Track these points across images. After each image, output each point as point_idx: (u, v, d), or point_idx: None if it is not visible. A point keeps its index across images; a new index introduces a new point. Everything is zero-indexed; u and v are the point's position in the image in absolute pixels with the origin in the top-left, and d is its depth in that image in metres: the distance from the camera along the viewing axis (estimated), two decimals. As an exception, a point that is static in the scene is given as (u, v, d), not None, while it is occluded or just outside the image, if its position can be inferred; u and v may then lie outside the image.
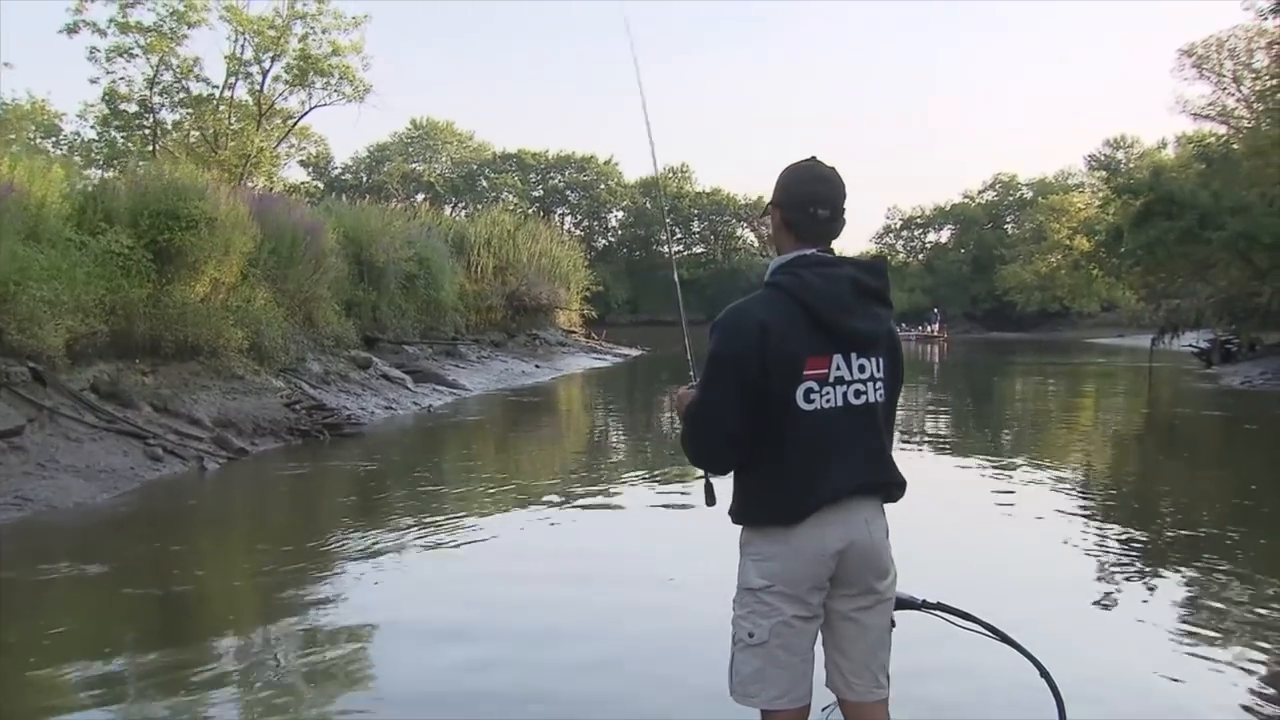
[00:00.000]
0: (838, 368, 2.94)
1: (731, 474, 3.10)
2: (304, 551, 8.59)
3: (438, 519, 9.71)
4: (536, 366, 30.47)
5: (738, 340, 2.93)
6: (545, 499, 11.05)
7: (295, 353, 17.19)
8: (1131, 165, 68.38)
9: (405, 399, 19.18)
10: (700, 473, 3.35)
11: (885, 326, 3.09)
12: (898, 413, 3.28)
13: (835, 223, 3.06)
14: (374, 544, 8.67)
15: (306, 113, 35.94)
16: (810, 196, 3.03)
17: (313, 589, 7.38)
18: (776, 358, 2.87)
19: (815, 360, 2.91)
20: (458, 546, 8.74)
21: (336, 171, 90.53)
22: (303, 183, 66.68)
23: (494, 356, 29.59)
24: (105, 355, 13.35)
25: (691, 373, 3.34)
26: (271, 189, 31.88)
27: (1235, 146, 36.14)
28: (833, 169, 3.09)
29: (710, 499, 3.34)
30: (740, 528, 3.10)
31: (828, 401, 2.93)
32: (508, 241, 37.58)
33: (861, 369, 2.98)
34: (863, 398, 2.98)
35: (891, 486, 3.10)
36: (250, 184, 29.71)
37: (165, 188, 15.16)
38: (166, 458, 11.72)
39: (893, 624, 3.14)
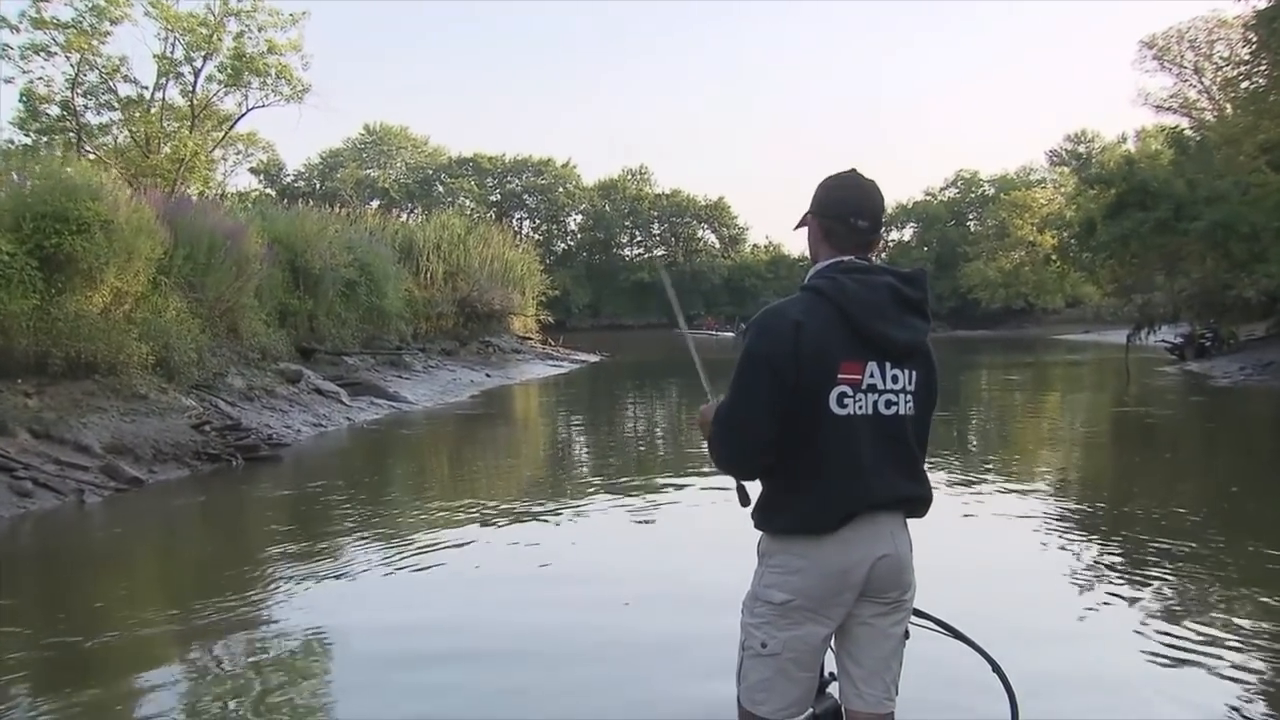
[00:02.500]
0: (871, 375, 2.94)
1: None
2: (178, 599, 7.27)
3: (358, 554, 8.60)
4: (488, 375, 29.15)
5: (772, 340, 2.90)
6: (493, 521, 10.11)
7: (213, 367, 15.74)
8: (1095, 159, 67.59)
9: (339, 415, 17.73)
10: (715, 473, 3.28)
11: (922, 339, 3.05)
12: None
13: (874, 233, 3.07)
14: (271, 589, 7.51)
15: (244, 114, 34.24)
16: (850, 206, 3.04)
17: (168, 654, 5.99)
18: (811, 358, 2.86)
19: (849, 365, 2.91)
20: (390, 577, 7.75)
21: (289, 179, 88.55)
22: (254, 190, 65.00)
23: (442, 366, 28.27)
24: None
25: (707, 387, 3.47)
26: (210, 195, 30.24)
27: (1208, 134, 35.15)
28: (872, 181, 3.11)
29: (744, 499, 3.21)
30: (761, 534, 3.07)
31: (860, 408, 2.92)
32: (458, 246, 36.55)
33: (894, 379, 2.97)
34: (893, 409, 2.97)
35: (919, 502, 3.08)
36: (186, 190, 28.09)
37: (52, 188, 13.57)
38: (37, 491, 10.23)
39: (906, 634, 3.11)
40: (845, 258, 3.00)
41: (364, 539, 9.28)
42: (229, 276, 17.70)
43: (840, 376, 2.87)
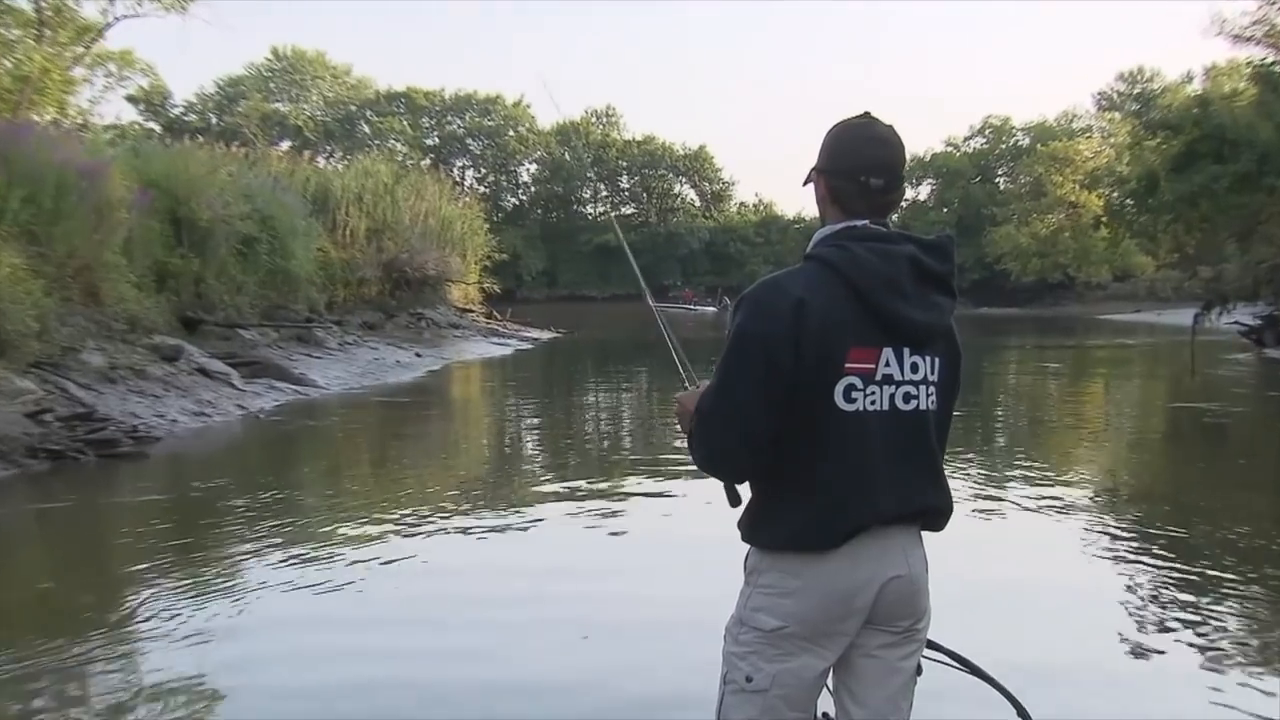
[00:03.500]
0: (886, 364, 2.83)
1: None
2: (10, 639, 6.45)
3: (246, 576, 8.09)
4: (418, 355, 28.29)
5: (768, 319, 2.78)
6: (418, 531, 9.62)
7: (62, 340, 14.68)
8: (1156, 102, 67.00)
9: (228, 401, 16.78)
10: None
11: (946, 320, 2.95)
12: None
13: (892, 194, 2.94)
14: (132, 621, 6.90)
15: (110, 25, 32.82)
16: (862, 162, 2.91)
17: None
18: (814, 343, 2.75)
19: (860, 351, 2.80)
20: (287, 607, 7.29)
21: (178, 111, 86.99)
22: (131, 124, 63.55)
23: (363, 342, 27.42)
24: None
25: (683, 373, 3.42)
26: (66, 125, 28.90)
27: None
28: (890, 128, 2.98)
29: (734, 499, 3.11)
30: (749, 548, 2.99)
31: (871, 403, 2.82)
32: (385, 198, 35.93)
33: (914, 368, 2.87)
34: (913, 403, 2.87)
35: (938, 514, 3.00)
36: (35, 117, 26.74)
37: None
38: None
39: (919, 670, 3.02)
40: (858, 222, 2.89)
41: (252, 556, 8.68)
42: (86, 226, 16.71)
43: (849, 366, 2.77)
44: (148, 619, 7.03)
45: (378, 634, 6.86)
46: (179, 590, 7.67)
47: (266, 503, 11.01)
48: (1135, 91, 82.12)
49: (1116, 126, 79.61)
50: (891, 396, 2.81)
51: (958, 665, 3.30)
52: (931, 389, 2.89)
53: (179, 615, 7.03)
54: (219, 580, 8.06)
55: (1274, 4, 44.73)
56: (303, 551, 8.82)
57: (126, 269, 17.89)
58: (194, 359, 17.65)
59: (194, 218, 21.31)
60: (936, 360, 2.89)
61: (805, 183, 3.06)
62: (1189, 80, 73.00)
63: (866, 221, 2.89)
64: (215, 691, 5.87)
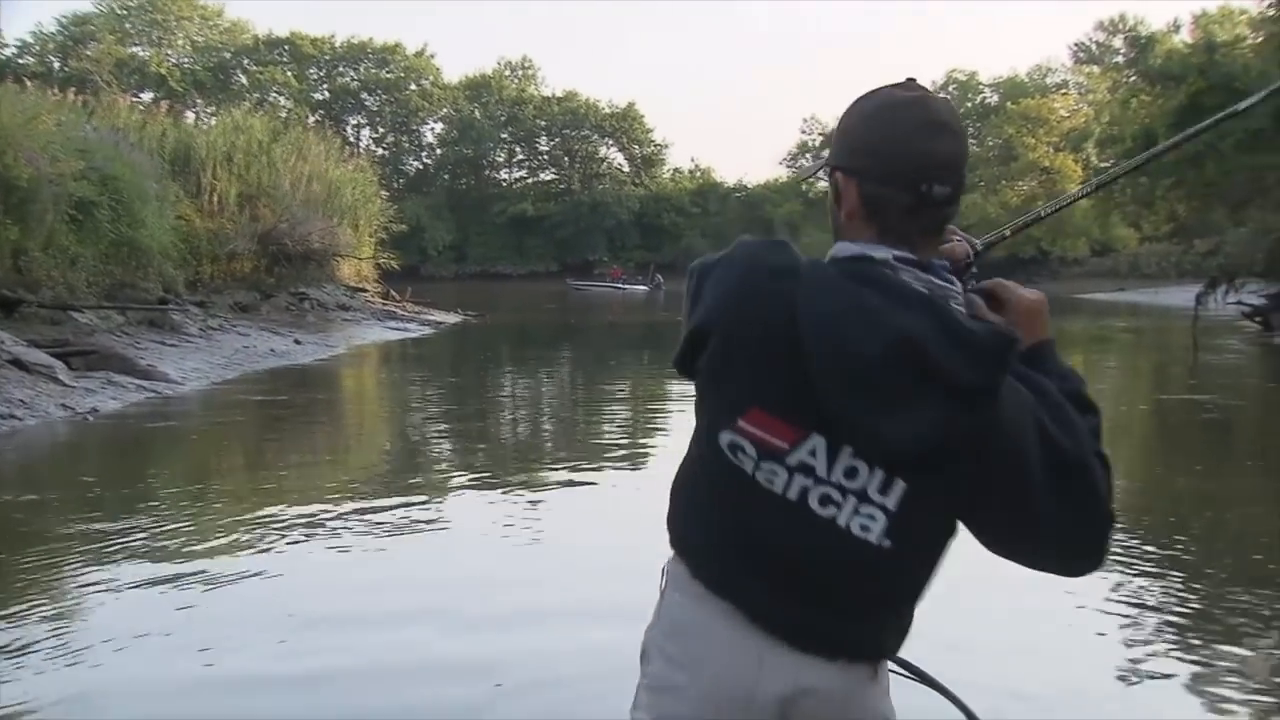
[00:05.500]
0: (811, 453, 2.22)
1: None
2: None
3: (79, 603, 7.78)
4: (297, 342, 27.07)
5: (733, 286, 2.24)
6: (289, 545, 9.27)
7: None
8: (1143, 52, 66.97)
9: (49, 400, 15.44)
10: None
11: (936, 435, 2.11)
12: None
13: (955, 205, 2.24)
14: None
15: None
16: (923, 162, 2.16)
17: None
18: (730, 360, 2.24)
19: (767, 420, 2.22)
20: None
21: (9, 53, 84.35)
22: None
23: (232, 328, 26.23)
24: None
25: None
26: None
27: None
28: (948, 104, 2.26)
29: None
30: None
31: (771, 482, 2.24)
32: (260, 158, 34.95)
33: (851, 474, 2.22)
34: (832, 513, 2.23)
35: (840, 643, 2.33)
36: None
37: None
38: None
39: None
40: (893, 253, 2.15)
41: (80, 582, 8.24)
42: None
43: (743, 424, 2.20)
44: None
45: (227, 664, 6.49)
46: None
47: (90, 521, 10.07)
48: (1115, 44, 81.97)
49: (1095, 81, 79.83)
50: (804, 490, 2.23)
51: (920, 680, 2.94)
52: (876, 515, 2.21)
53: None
54: (26, 615, 7.48)
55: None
56: (134, 574, 8.32)
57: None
58: (6, 347, 16.33)
59: (10, 175, 19.94)
60: (903, 486, 2.19)
61: (811, 172, 2.54)
62: (1176, 29, 73.26)
63: (906, 252, 2.18)
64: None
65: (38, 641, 7.00)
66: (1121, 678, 6.31)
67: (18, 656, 6.64)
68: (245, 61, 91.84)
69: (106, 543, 9.15)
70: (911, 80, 2.24)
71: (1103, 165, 48.02)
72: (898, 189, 2.18)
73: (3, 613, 7.56)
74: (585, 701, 5.80)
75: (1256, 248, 30.00)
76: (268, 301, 31.60)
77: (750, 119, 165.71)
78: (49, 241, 20.76)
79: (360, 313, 36.40)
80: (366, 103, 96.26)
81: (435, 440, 16.93)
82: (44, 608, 7.70)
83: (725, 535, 2.30)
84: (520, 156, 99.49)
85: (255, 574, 8.59)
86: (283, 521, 10.22)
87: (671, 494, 2.45)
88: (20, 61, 79.15)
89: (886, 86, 2.23)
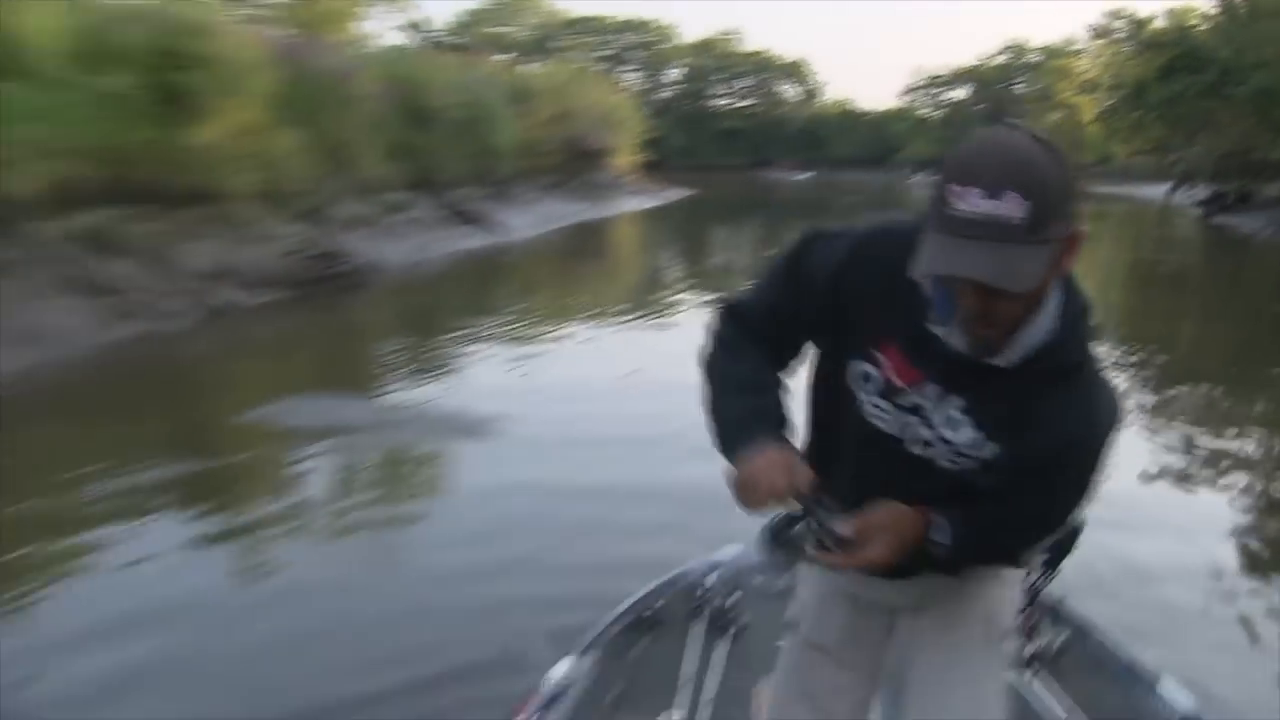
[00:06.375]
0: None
1: None
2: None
3: (471, 356, 8.17)
4: (587, 208, 27.36)
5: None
6: (583, 336, 9.18)
7: (321, 197, 14.10)
8: (1138, 31, 62.24)
9: (439, 242, 16.22)
10: None
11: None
12: None
13: None
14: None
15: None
16: None
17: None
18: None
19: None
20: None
21: (436, 35, 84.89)
22: (397, 45, 62.27)
23: (545, 199, 26.39)
24: (98, 201, 10.34)
25: None
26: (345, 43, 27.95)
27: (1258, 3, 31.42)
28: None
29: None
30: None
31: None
32: (566, 91, 33.98)
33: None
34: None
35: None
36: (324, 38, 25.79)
37: (167, 24, 11.80)
38: (128, 317, 8.90)
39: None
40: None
41: (459, 349, 8.63)
42: (342, 112, 15.86)
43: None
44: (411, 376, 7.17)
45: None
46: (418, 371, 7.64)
47: (461, 311, 10.79)
48: (1115, 25, 76.10)
49: (1103, 50, 74.53)
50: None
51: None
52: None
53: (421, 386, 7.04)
54: (433, 363, 8.11)
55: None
56: (489, 346, 8.66)
57: (372, 143, 17.16)
58: (417, 211, 17.07)
59: (423, 105, 20.29)
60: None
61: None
62: (1154, 18, 67.92)
63: None
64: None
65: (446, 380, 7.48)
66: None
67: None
68: (560, 35, 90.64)
69: (478, 330, 9.73)
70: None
71: (1107, 103, 45.07)
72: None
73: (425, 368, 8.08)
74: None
75: (1205, 161, 28.41)
76: (567, 183, 30.85)
77: (876, 62, 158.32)
78: (441, 146, 20.85)
79: (624, 189, 35.73)
80: (631, 58, 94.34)
81: (674, 264, 17.31)
82: (439, 354, 8.22)
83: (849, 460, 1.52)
84: (728, 90, 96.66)
85: (583, 340, 9.05)
86: (586, 310, 10.73)
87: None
88: (439, 40, 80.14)
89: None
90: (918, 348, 1.38)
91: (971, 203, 1.19)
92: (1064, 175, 1.22)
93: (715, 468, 1.46)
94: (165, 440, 6.06)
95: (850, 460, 1.51)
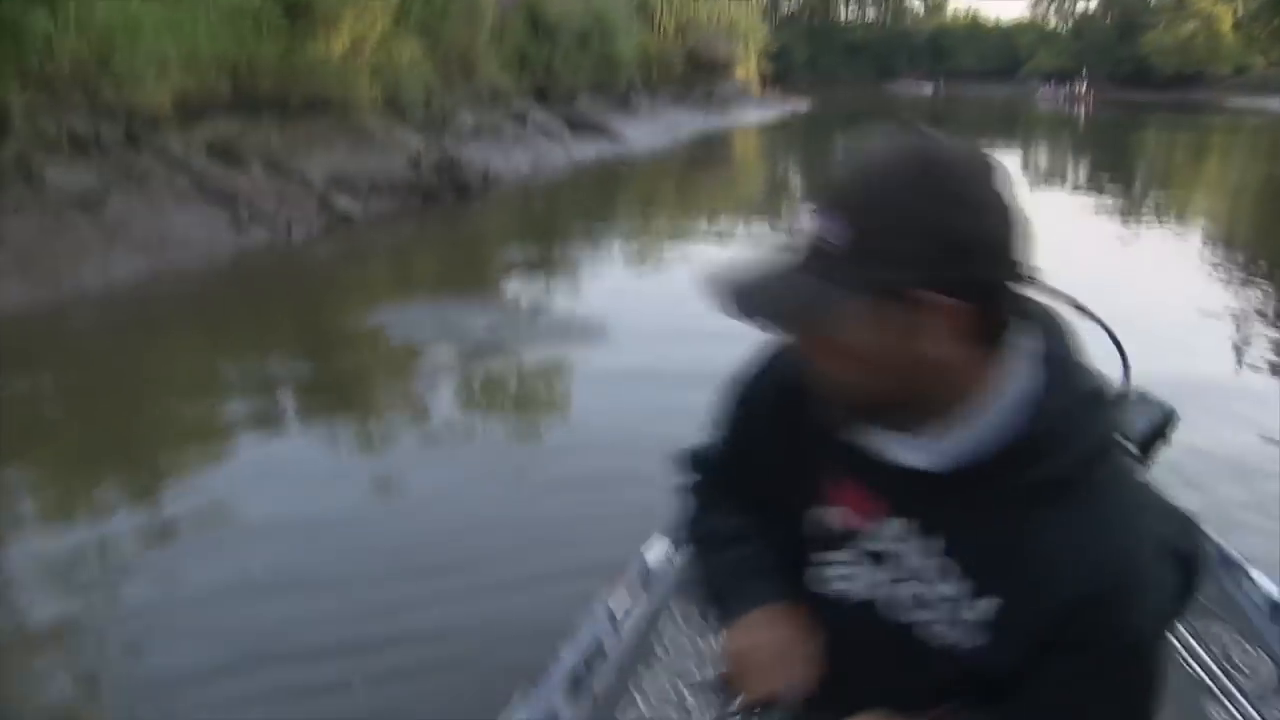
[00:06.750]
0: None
1: None
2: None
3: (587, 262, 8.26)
4: (708, 118, 26.48)
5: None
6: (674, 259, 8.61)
7: (443, 107, 13.71)
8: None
9: (559, 152, 15.75)
10: None
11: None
12: None
13: None
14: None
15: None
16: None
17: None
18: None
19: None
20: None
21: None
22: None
23: (666, 110, 25.59)
24: (224, 113, 10.19)
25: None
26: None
27: None
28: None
29: None
30: None
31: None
32: (690, 4, 32.63)
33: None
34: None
35: None
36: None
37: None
38: (253, 224, 8.73)
39: None
40: None
41: (576, 256, 8.62)
42: (465, 22, 15.25)
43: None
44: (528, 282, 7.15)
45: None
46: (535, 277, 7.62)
47: (589, 218, 10.51)
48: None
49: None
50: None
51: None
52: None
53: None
54: (556, 264, 8.08)
55: None
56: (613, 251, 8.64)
57: (494, 54, 16.68)
58: (539, 120, 16.59)
59: (546, 16, 19.60)
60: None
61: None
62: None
63: None
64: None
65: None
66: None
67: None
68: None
69: (595, 238, 9.39)
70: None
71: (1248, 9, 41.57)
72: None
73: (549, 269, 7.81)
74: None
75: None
76: (688, 94, 29.91)
77: None
78: (565, 57, 20.24)
79: (746, 101, 34.51)
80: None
81: (793, 176, 16.69)
82: (557, 273, 7.85)
83: None
84: (853, 4, 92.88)
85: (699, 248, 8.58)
86: (705, 219, 10.34)
87: None
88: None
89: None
90: (873, 473, 0.94)
91: (802, 222, 0.87)
92: (949, 217, 0.80)
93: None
94: (287, 345, 6.12)
95: (825, 649, 1.02)
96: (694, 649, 1.77)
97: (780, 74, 51.59)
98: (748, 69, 39.39)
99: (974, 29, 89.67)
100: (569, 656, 1.70)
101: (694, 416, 1.25)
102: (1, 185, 7.31)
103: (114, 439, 4.36)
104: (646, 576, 1.95)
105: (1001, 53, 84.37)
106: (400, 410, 4.85)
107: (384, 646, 2.69)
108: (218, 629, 2.79)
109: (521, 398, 5.17)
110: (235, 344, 6.00)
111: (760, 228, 9.86)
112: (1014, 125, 34.08)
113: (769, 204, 12.12)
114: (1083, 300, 0.98)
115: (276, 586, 3.03)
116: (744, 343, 1.05)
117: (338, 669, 2.60)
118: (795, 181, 15.26)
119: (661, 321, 5.79)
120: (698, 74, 32.16)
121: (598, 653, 1.76)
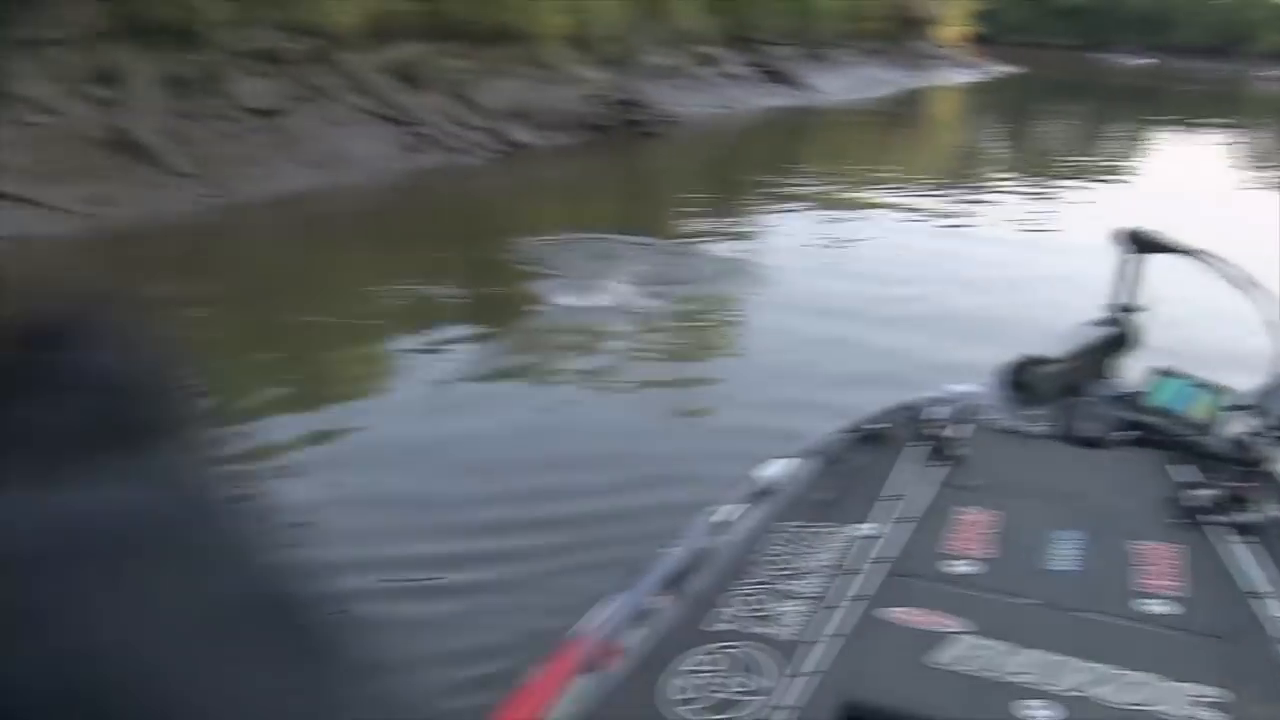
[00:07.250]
0: None
1: None
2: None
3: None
4: (905, 75, 25.07)
5: None
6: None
7: (629, 44, 13.29)
8: None
9: (745, 99, 15.11)
10: None
11: None
12: None
13: None
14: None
15: None
16: None
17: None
18: None
19: None
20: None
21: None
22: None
23: (863, 64, 24.30)
24: (411, 36, 10.11)
25: None
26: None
27: None
28: None
29: None
30: None
31: None
32: None
33: None
34: None
35: None
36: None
37: None
38: (426, 148, 8.57)
39: None
40: None
41: (750, 203, 8.12)
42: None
43: None
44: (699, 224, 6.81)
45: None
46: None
47: (768, 167, 10.03)
48: None
49: None
50: None
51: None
52: None
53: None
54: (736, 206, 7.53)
55: None
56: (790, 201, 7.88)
57: (689, -4, 16.08)
58: (727, 65, 15.96)
59: None
60: None
61: None
62: None
63: None
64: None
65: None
66: None
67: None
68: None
69: (772, 186, 8.82)
70: None
71: None
72: None
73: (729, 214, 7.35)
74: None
75: None
76: (888, 49, 28.01)
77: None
78: (762, 2, 19.17)
79: (947, 60, 32.33)
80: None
81: (987, 143, 15.47)
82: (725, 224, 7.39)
83: None
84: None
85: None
86: (888, 177, 9.60)
87: None
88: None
89: None
90: None
91: None
92: None
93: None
94: (452, 266, 6.05)
95: None
96: (792, 565, 1.79)
97: (987, 36, 48.84)
98: (953, 28, 37.40)
99: (1196, 2, 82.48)
100: (668, 557, 1.77)
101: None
102: (189, 94, 7.36)
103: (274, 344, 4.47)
104: (758, 492, 2.02)
105: (1226, 27, 76.89)
106: (562, 339, 4.76)
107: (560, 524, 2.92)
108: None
109: (686, 329, 5.06)
110: (401, 259, 5.98)
111: (946, 197, 8.97)
112: (1236, 105, 30.89)
113: (960, 171, 11.13)
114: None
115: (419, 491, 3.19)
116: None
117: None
118: (987, 149, 14.01)
119: (828, 272, 5.77)
120: (900, 29, 30.72)
121: (697, 557, 1.80)
